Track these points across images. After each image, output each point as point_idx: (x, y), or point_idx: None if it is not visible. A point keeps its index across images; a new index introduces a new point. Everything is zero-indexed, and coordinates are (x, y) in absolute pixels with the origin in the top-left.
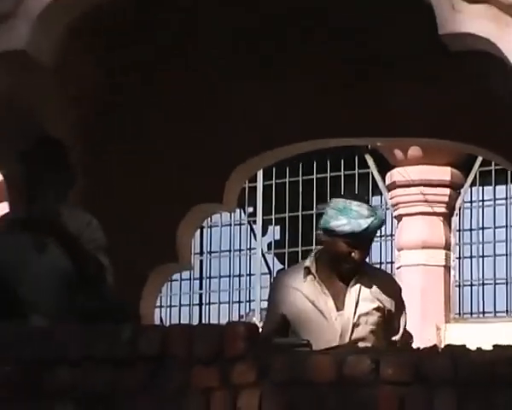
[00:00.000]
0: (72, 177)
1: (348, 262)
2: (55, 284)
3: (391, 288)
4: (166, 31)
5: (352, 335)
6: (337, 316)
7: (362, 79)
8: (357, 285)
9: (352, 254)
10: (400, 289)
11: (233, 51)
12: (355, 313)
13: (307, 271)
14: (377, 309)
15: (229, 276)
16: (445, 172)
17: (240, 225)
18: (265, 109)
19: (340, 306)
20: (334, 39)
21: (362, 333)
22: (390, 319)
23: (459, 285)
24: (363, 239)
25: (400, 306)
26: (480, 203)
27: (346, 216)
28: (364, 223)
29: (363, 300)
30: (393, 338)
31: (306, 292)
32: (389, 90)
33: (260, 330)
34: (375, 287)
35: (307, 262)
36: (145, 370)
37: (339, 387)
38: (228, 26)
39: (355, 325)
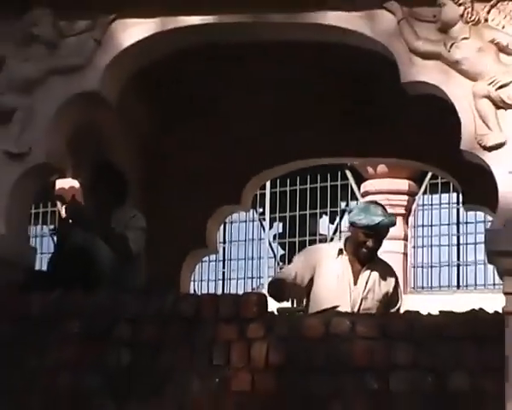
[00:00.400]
0: (124, 190)
1: (364, 249)
2: (113, 265)
3: (391, 274)
4: (203, 81)
5: (360, 305)
6: (353, 289)
7: (348, 116)
8: (369, 269)
9: (367, 242)
10: (396, 275)
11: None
12: (365, 289)
13: (340, 251)
14: (380, 288)
15: (244, 259)
16: (404, 184)
17: (253, 221)
18: (273, 137)
19: (355, 282)
20: (332, 85)
21: (369, 305)
22: (390, 295)
23: (414, 267)
24: (375, 231)
25: (397, 286)
26: (430, 207)
27: (364, 213)
28: (377, 219)
29: (372, 280)
30: (393, 309)
31: (337, 266)
32: (367, 124)
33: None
34: (380, 272)
35: (341, 245)
36: (183, 326)
37: (325, 341)
38: (255, 78)
39: (364, 298)
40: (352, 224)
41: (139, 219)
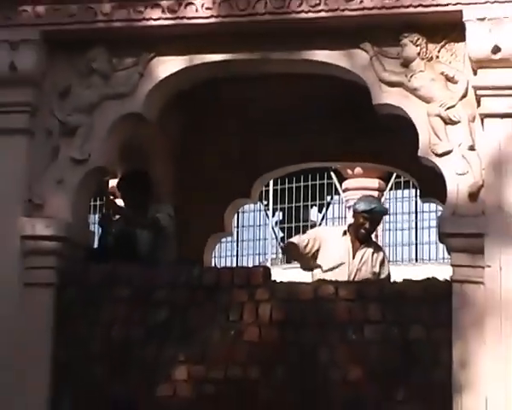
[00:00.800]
0: (150, 191)
1: (362, 230)
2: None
3: (381, 252)
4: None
5: (355, 275)
6: (351, 262)
7: (334, 131)
8: (365, 248)
9: (365, 224)
10: (385, 252)
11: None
12: (359, 262)
13: (344, 232)
14: (372, 263)
15: (253, 240)
16: (374, 182)
17: (259, 211)
18: (274, 147)
19: (353, 257)
20: (321, 106)
21: (362, 275)
22: (379, 268)
23: (383, 245)
24: (371, 216)
25: (384, 260)
26: (395, 199)
27: (363, 202)
28: (372, 205)
29: (366, 256)
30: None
31: (342, 244)
32: (348, 136)
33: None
34: (373, 250)
35: (345, 228)
36: (206, 292)
37: (315, 302)
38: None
39: (358, 270)
40: (354, 211)
41: (167, 207)
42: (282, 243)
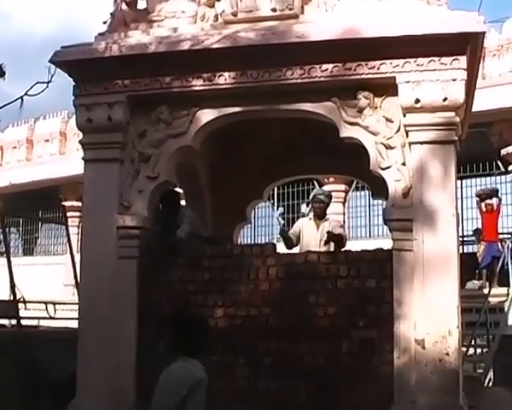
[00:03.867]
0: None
1: (319, 210)
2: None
3: (338, 225)
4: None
5: (320, 243)
6: (317, 235)
7: (314, 154)
8: (324, 222)
9: (316, 204)
10: (342, 224)
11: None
12: (321, 233)
13: (310, 218)
14: (330, 228)
15: (264, 226)
16: (342, 186)
17: (268, 206)
18: (277, 164)
19: (317, 229)
20: (304, 138)
21: (324, 238)
22: (337, 237)
23: (348, 227)
24: (319, 199)
25: (342, 231)
26: (356, 198)
27: (315, 192)
28: (318, 193)
29: (326, 228)
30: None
31: (310, 225)
32: (325, 158)
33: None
34: (330, 224)
35: (311, 216)
36: (235, 259)
37: (305, 265)
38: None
39: (321, 240)
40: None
41: (187, 210)
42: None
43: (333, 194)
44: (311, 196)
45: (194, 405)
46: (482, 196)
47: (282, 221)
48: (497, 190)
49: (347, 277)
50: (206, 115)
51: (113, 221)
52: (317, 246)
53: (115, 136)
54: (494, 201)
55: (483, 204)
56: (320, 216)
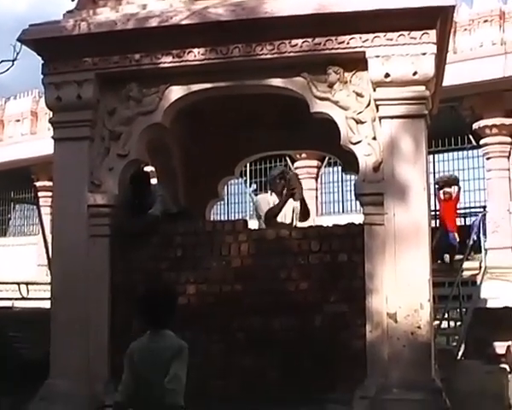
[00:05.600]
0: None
1: (277, 188)
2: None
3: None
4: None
5: (293, 218)
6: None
7: (285, 130)
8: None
9: (278, 183)
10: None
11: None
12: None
13: (271, 193)
14: (294, 206)
15: (237, 203)
16: (314, 162)
17: (241, 183)
18: (248, 139)
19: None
20: (276, 114)
21: (288, 217)
22: (302, 210)
23: (321, 203)
24: (275, 179)
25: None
26: (329, 174)
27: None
28: (273, 171)
29: (289, 204)
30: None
31: (271, 198)
32: (296, 134)
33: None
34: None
35: (269, 193)
36: (207, 235)
37: (277, 240)
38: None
39: (285, 213)
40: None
41: (159, 189)
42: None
43: (305, 170)
44: (271, 175)
45: (179, 366)
46: (440, 184)
47: (255, 198)
48: (457, 179)
49: (319, 252)
50: (176, 92)
51: (83, 200)
52: (290, 219)
53: (85, 114)
54: (453, 189)
55: (441, 192)
56: (280, 193)
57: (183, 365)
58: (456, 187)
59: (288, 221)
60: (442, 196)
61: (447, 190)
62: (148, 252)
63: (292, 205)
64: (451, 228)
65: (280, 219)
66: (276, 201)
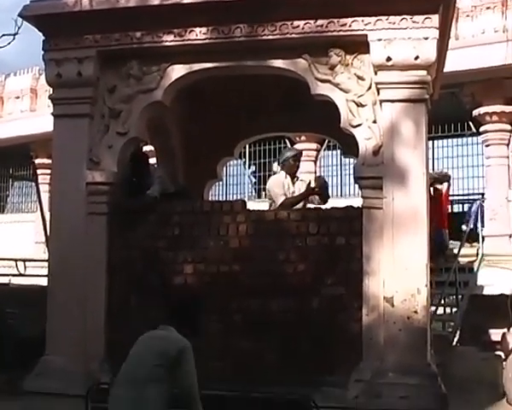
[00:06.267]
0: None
1: (297, 168)
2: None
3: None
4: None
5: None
6: (293, 189)
7: (286, 112)
8: (297, 181)
9: (293, 164)
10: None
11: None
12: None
13: (285, 175)
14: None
15: (236, 184)
16: (313, 145)
17: (240, 164)
18: (249, 120)
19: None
20: (278, 97)
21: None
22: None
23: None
24: (289, 160)
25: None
26: (328, 157)
27: (290, 152)
28: (288, 152)
29: (298, 184)
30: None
31: (287, 181)
32: (296, 117)
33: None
34: (302, 182)
35: (284, 173)
36: (205, 215)
37: (275, 222)
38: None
39: (296, 191)
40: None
41: (158, 170)
42: (253, 186)
43: (304, 153)
44: (285, 156)
45: (188, 368)
46: (431, 181)
47: (254, 179)
48: (448, 176)
49: (317, 234)
50: (177, 71)
51: (82, 177)
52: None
53: (85, 91)
54: (444, 186)
55: (431, 189)
56: (293, 174)
57: (192, 368)
58: (446, 184)
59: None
60: (432, 193)
61: (438, 187)
62: (146, 230)
63: (304, 186)
64: (442, 225)
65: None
66: (291, 183)
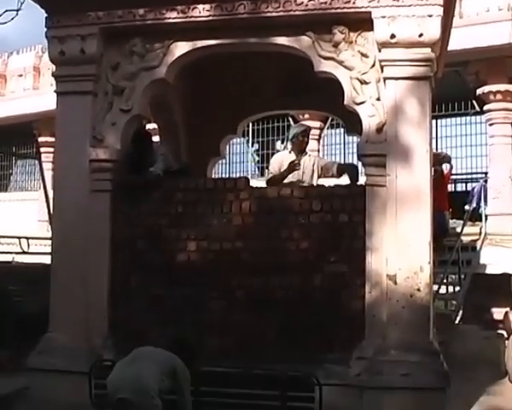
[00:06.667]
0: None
1: (305, 144)
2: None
3: (311, 156)
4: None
5: (303, 175)
6: (309, 168)
7: (289, 89)
8: (304, 156)
9: (301, 140)
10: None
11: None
12: (314, 167)
13: (290, 151)
14: (308, 164)
15: (239, 162)
16: (317, 123)
17: (243, 143)
18: (253, 98)
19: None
20: (282, 73)
21: (307, 175)
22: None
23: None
24: (298, 136)
25: (320, 160)
26: (331, 136)
27: (298, 128)
28: (296, 128)
29: (306, 162)
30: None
31: (287, 157)
32: (298, 93)
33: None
34: (314, 158)
35: (289, 150)
36: (208, 192)
37: (278, 199)
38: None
39: (304, 170)
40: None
41: (160, 148)
42: (256, 165)
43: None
44: (293, 132)
45: (185, 379)
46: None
47: (257, 158)
48: (449, 157)
49: (320, 211)
50: (180, 48)
51: (85, 154)
52: (310, 180)
53: (88, 68)
54: (445, 167)
55: (432, 170)
56: (302, 150)
57: (188, 387)
58: (447, 165)
59: (306, 178)
60: (433, 174)
61: (438, 168)
62: (149, 208)
63: (313, 161)
64: (443, 208)
65: (298, 175)
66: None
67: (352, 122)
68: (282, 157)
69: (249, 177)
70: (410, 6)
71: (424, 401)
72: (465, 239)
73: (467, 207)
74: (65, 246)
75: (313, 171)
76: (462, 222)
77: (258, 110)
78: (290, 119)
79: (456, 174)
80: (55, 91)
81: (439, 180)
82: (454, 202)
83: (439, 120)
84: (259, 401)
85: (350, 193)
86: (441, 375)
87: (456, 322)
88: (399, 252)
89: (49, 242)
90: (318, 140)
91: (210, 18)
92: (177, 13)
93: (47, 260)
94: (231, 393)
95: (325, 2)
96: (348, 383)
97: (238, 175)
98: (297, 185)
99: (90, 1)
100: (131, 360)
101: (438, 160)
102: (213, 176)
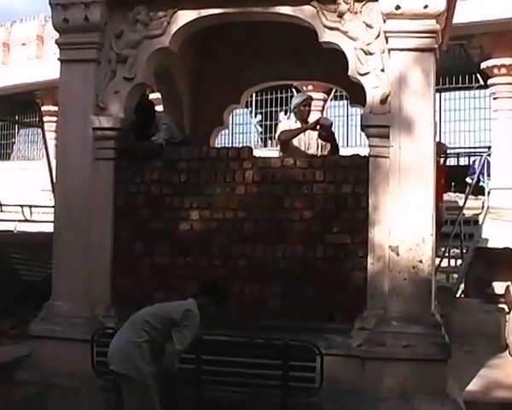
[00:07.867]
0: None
1: (308, 113)
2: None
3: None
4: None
5: (308, 146)
6: (314, 138)
7: (293, 59)
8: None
9: (303, 110)
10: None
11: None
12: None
13: (295, 121)
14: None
15: (242, 133)
16: (320, 95)
17: (246, 114)
18: (255, 69)
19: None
20: (286, 42)
21: (313, 147)
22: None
23: None
24: (299, 106)
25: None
26: (335, 107)
27: (301, 97)
28: (298, 98)
29: (310, 133)
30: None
31: (296, 125)
32: (303, 63)
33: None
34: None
35: (294, 119)
36: (211, 162)
37: (282, 169)
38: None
39: (309, 139)
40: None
41: (164, 118)
42: (259, 136)
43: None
44: (294, 102)
45: (189, 327)
46: None
47: (260, 128)
48: (445, 147)
49: (323, 182)
50: (184, 17)
51: (89, 122)
52: (315, 150)
53: (92, 36)
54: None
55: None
56: (305, 120)
57: (193, 327)
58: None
59: (311, 151)
60: None
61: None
62: (152, 176)
63: (317, 136)
64: (439, 200)
65: (303, 149)
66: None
67: (355, 93)
68: (289, 124)
69: (252, 146)
70: None
71: (425, 373)
72: (467, 213)
73: (468, 179)
74: (68, 214)
75: (318, 144)
76: (463, 196)
77: (262, 81)
78: (293, 90)
79: (459, 147)
80: (58, 59)
81: (437, 172)
82: (457, 176)
83: (442, 94)
84: (261, 369)
85: (353, 164)
86: (443, 347)
87: (458, 295)
88: (402, 223)
89: (52, 210)
90: (322, 112)
91: None
92: None
93: (50, 228)
94: (232, 361)
95: None
96: (349, 353)
97: (241, 144)
98: (300, 155)
99: None
100: (125, 327)
101: (442, 150)
102: (216, 145)
